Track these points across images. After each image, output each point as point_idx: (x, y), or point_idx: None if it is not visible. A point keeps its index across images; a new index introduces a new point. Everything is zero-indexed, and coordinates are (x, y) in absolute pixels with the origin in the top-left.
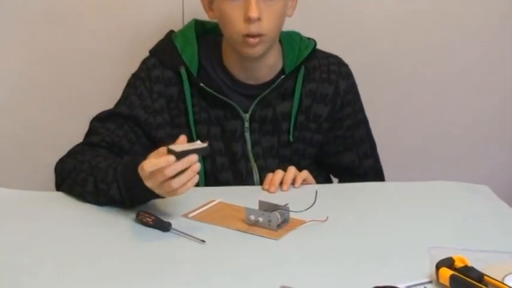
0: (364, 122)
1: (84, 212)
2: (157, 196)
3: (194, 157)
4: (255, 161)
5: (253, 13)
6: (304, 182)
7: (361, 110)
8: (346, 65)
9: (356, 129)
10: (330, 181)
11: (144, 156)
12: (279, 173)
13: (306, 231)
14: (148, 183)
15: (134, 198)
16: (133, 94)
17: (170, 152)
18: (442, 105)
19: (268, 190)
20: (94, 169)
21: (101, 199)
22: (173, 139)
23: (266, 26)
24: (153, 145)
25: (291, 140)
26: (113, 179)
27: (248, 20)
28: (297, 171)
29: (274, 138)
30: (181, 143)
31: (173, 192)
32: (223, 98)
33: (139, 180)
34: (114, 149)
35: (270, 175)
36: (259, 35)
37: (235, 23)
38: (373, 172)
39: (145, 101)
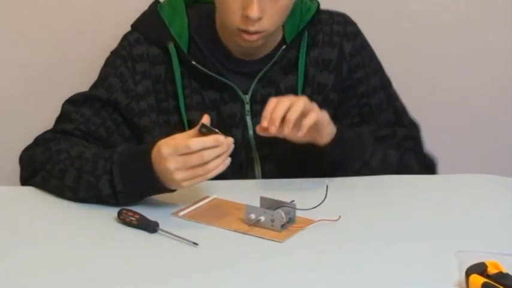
0: (382, 86)
1: (56, 210)
2: (163, 189)
3: (231, 139)
4: (258, 149)
5: (254, 13)
6: (314, 126)
7: (376, 71)
8: (352, 24)
9: (372, 95)
10: None
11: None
12: (283, 103)
13: (315, 233)
14: (171, 165)
15: (132, 192)
16: (112, 75)
17: (205, 129)
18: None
19: (263, 130)
20: (76, 160)
21: (83, 194)
22: (160, 127)
23: (268, 23)
24: (134, 135)
25: None
26: (104, 171)
27: (247, 17)
28: (310, 104)
29: None
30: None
31: (202, 177)
32: (219, 78)
33: (146, 168)
34: (90, 139)
35: (270, 104)
36: (258, 32)
37: (232, 14)
38: (407, 141)
39: (127, 83)
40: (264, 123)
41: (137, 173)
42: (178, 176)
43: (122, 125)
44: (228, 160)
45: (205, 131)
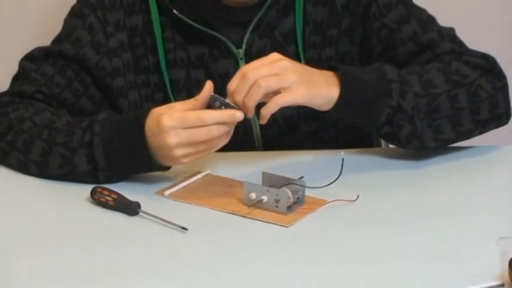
0: (398, 1)
1: (17, 188)
2: (155, 166)
3: (242, 114)
4: (257, 113)
5: None
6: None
7: None
8: None
9: (386, 15)
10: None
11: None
12: (245, 82)
13: (329, 216)
14: (173, 139)
15: (117, 170)
16: (79, 27)
17: (218, 103)
18: None
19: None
20: (45, 130)
21: (53, 170)
22: (137, 89)
23: None
24: (106, 98)
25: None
26: (81, 144)
27: None
28: (285, 80)
29: None
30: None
31: (204, 153)
32: (207, 30)
33: (138, 142)
34: (53, 103)
35: (232, 81)
36: None
37: None
38: (442, 49)
39: (97, 37)
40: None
41: (125, 146)
42: (179, 152)
43: (91, 87)
44: (231, 133)
45: (218, 106)
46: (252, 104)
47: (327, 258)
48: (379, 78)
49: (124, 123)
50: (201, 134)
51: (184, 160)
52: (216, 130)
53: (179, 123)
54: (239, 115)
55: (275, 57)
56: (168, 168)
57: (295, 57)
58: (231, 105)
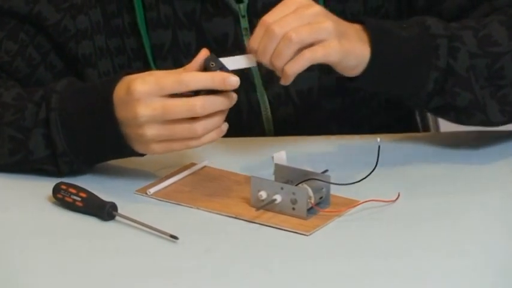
0: None
1: None
2: (127, 150)
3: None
4: (265, 86)
5: None
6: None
7: None
8: None
9: None
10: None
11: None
12: (272, 36)
13: (361, 221)
14: (145, 111)
15: (82, 155)
16: None
17: (214, 63)
18: None
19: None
20: None
21: (1, 159)
22: (109, 56)
23: None
24: (70, 68)
25: None
26: (35, 122)
27: None
28: (318, 30)
29: None
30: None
31: (184, 144)
32: None
33: (105, 116)
34: (1, 74)
35: (255, 36)
36: None
37: None
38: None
39: None
40: (251, 47)
41: (89, 122)
42: (150, 130)
43: (50, 54)
44: (225, 126)
45: (214, 68)
46: (282, 63)
47: (358, 275)
48: (421, 33)
49: (88, 92)
50: (178, 106)
51: (155, 147)
52: (199, 104)
53: (154, 88)
54: (234, 80)
55: (301, 1)
56: (142, 154)
57: None
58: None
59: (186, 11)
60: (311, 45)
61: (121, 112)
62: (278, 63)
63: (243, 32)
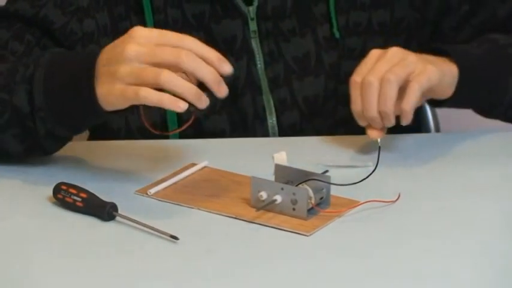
0: None
1: None
2: (93, 99)
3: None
4: (271, 90)
5: None
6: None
7: None
8: None
9: None
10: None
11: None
12: (371, 86)
13: (361, 221)
14: (132, 47)
15: (56, 109)
16: None
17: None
18: None
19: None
20: None
21: None
22: None
23: None
24: None
25: (337, 34)
26: (22, 79)
27: None
28: (409, 64)
29: (306, 41)
30: None
31: (138, 92)
32: None
33: (85, 68)
34: None
35: (354, 92)
36: None
37: None
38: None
39: None
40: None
41: (68, 77)
42: (125, 68)
43: None
44: (183, 104)
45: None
46: (391, 106)
47: (358, 275)
48: (492, 47)
49: (77, 53)
50: (166, 50)
51: (117, 88)
52: (186, 54)
53: (154, 33)
54: (226, 68)
55: (377, 52)
56: (109, 112)
57: (324, 19)
58: None
59: (195, 13)
60: (407, 81)
61: (105, 54)
62: (388, 108)
63: (252, 35)
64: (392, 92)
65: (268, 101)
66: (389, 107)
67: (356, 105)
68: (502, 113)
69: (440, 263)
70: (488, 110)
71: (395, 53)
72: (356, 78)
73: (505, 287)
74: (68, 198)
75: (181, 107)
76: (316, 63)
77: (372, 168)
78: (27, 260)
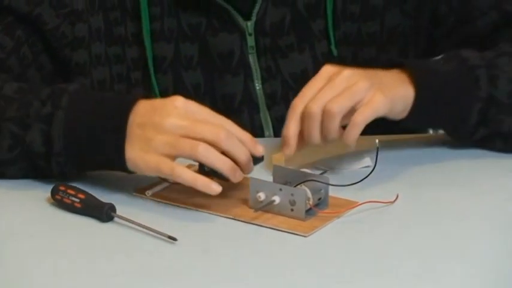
0: None
1: None
2: (122, 163)
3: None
4: (269, 108)
5: None
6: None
7: None
8: None
9: None
10: None
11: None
12: (314, 115)
13: (359, 222)
14: (172, 119)
15: (78, 158)
16: None
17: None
18: None
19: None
20: None
21: (1, 154)
22: (108, 64)
23: None
24: (60, 73)
25: (334, 52)
26: (37, 117)
27: None
28: (359, 93)
29: (305, 57)
30: None
31: (174, 168)
32: None
33: (117, 123)
34: None
35: (290, 119)
36: None
37: None
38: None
39: None
40: (285, 149)
41: (95, 126)
42: (161, 138)
43: (41, 55)
44: (217, 187)
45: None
46: (335, 137)
47: (357, 276)
48: (459, 66)
49: (104, 97)
50: (205, 126)
51: (151, 157)
52: (225, 133)
53: (195, 107)
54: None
55: (328, 71)
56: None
57: (322, 35)
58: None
59: (190, 23)
60: (353, 110)
61: (141, 117)
62: (332, 139)
63: (249, 50)
64: (334, 125)
65: (266, 118)
66: (333, 137)
67: (288, 131)
68: (465, 137)
69: (439, 263)
70: (452, 132)
71: (345, 77)
72: (297, 103)
73: None
74: (66, 199)
75: (214, 190)
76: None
77: (370, 169)
78: (25, 261)
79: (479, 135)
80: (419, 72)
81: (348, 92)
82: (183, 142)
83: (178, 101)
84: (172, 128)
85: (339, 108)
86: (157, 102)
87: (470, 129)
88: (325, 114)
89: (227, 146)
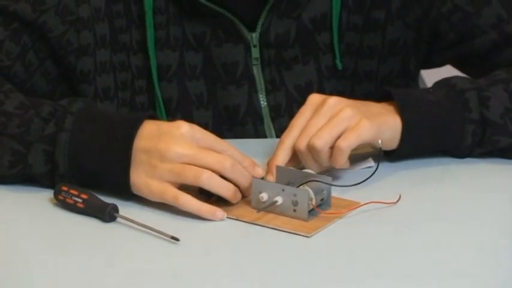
0: None
1: None
2: (126, 187)
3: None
4: (273, 120)
5: None
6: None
7: None
8: None
9: None
10: None
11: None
12: (296, 125)
13: (362, 222)
14: (178, 147)
15: (82, 180)
16: None
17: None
18: None
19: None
20: None
21: (1, 171)
22: (112, 71)
23: None
24: (64, 80)
25: (339, 65)
26: (39, 137)
27: None
28: (344, 121)
29: (309, 70)
30: None
31: (178, 196)
32: (212, 6)
33: (122, 148)
34: None
35: (279, 151)
36: None
37: None
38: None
39: (64, 1)
40: (269, 177)
41: (101, 149)
42: (166, 166)
43: (47, 61)
44: (221, 214)
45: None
46: (324, 166)
47: (359, 277)
48: (448, 92)
49: (109, 119)
50: (210, 155)
51: (155, 184)
52: (230, 162)
53: (199, 133)
54: (219, 214)
55: (314, 100)
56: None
57: (327, 48)
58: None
59: (195, 33)
60: (340, 135)
61: (146, 141)
62: (320, 167)
63: (254, 62)
64: (322, 158)
65: (270, 130)
66: (326, 165)
67: (275, 162)
68: (463, 156)
69: (441, 264)
70: (453, 154)
71: (331, 106)
72: (285, 138)
73: None
74: (69, 199)
75: (219, 216)
76: (318, 93)
77: (372, 170)
78: (28, 261)
79: (476, 155)
80: (406, 103)
81: (331, 123)
82: (188, 170)
83: (184, 128)
84: (176, 157)
85: (321, 145)
86: (163, 126)
87: (466, 150)
88: (310, 150)
89: (231, 174)
